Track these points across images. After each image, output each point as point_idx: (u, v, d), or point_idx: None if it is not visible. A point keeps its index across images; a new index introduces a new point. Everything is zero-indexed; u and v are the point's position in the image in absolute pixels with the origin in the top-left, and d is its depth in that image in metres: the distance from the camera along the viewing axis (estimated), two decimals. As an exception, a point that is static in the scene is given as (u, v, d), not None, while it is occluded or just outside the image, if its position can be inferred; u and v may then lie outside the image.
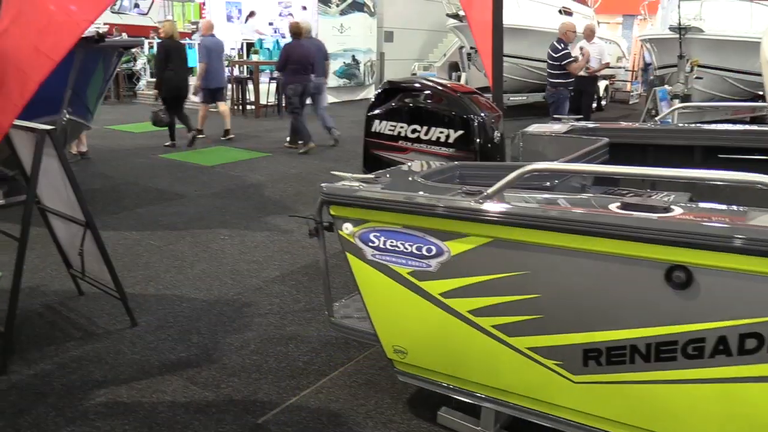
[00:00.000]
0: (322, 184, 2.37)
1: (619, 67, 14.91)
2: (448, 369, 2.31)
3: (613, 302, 1.79)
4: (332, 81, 13.82)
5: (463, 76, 12.05)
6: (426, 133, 3.13)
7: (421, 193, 2.13)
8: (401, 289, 2.21)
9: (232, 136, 9.35)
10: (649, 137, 3.45)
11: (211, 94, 9.12)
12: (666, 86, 8.78)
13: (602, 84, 14.11)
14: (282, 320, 3.67)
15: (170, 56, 8.25)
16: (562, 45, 8.50)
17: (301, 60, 8.23)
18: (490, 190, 1.93)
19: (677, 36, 9.12)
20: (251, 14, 14.62)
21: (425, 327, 2.25)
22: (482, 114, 3.10)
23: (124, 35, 8.95)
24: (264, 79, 12.18)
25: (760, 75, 10.61)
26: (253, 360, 3.22)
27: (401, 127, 3.21)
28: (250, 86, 12.20)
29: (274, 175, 7.36)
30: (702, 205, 1.85)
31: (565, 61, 8.40)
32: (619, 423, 1.96)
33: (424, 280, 2.15)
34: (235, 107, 12.15)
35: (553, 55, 8.54)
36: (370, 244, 2.25)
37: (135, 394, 2.88)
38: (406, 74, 11.82)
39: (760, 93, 11.60)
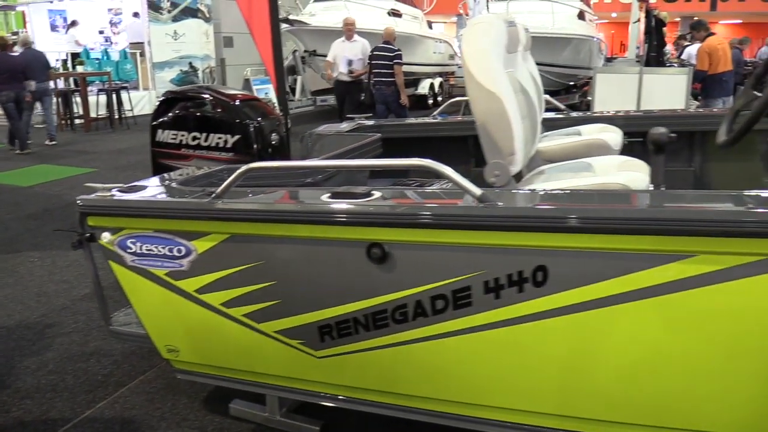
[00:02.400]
0: (78, 197, 2.41)
1: (453, 64, 15.75)
2: (217, 361, 2.45)
3: (332, 281, 2.01)
4: (170, 89, 13.47)
5: (299, 79, 12.22)
6: (206, 140, 3.24)
7: (165, 197, 2.24)
8: (162, 290, 2.32)
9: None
10: (421, 131, 3.79)
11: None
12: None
13: (437, 81, 14.88)
14: (86, 337, 3.62)
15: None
16: (393, 47, 8.99)
17: (9, 69, 9.06)
18: (218, 190, 2.08)
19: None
20: (73, 24, 13.86)
21: (189, 323, 2.36)
22: (259, 119, 3.25)
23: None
24: (93, 90, 11.63)
25: (566, 67, 11.74)
26: (49, 380, 3.17)
27: (182, 136, 3.30)
28: (79, 99, 11.60)
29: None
30: (410, 191, 2.12)
31: (395, 62, 8.86)
32: (362, 389, 2.20)
33: (179, 279, 2.26)
34: (63, 122, 11.50)
35: (389, 56, 8.93)
36: (128, 250, 2.33)
37: None
38: (258, 73, 11.76)
39: (571, 83, 12.85)
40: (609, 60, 16.31)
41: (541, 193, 1.89)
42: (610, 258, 1.68)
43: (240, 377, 2.45)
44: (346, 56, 9.24)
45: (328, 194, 2.00)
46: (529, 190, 1.95)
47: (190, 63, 14.03)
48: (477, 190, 1.75)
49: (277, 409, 2.67)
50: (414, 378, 2.09)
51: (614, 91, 8.11)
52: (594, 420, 1.89)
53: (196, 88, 3.50)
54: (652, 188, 1.94)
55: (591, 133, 3.26)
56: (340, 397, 2.26)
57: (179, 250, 2.22)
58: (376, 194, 1.97)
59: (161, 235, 2.24)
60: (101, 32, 15.94)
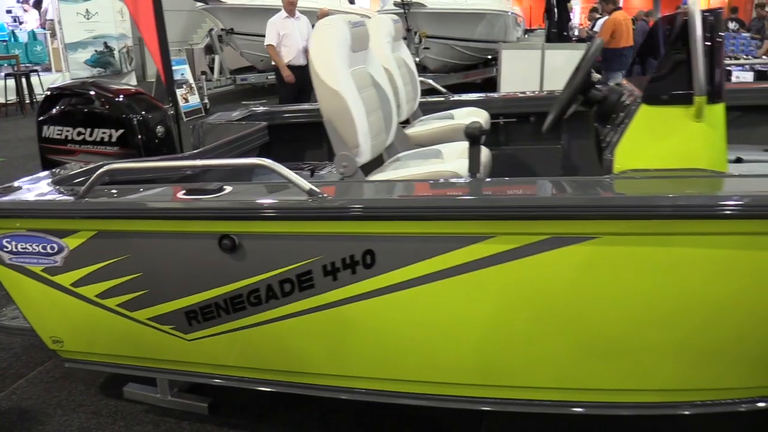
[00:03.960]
0: None
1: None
2: (99, 349, 2.60)
3: (191, 271, 2.19)
4: (85, 71, 13.07)
5: (217, 58, 12.10)
6: (91, 135, 3.31)
7: (34, 198, 2.36)
8: (40, 285, 2.44)
9: None
10: (313, 116, 3.95)
11: None
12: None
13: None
14: (-16, 332, 3.67)
15: None
16: None
17: None
18: (81, 190, 2.22)
19: (403, 11, 10.02)
20: (-25, 4, 13.22)
21: (69, 315, 2.50)
22: (143, 113, 3.34)
23: None
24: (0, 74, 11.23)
25: (482, 41, 12.01)
26: (-54, 376, 3.24)
27: (68, 131, 3.35)
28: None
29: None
30: (261, 185, 2.28)
31: None
32: (232, 366, 2.41)
33: (56, 274, 2.39)
34: (-32, 109, 11.09)
35: None
36: (5, 249, 2.43)
37: None
38: (173, 53, 11.55)
39: (489, 57, 13.18)
40: (529, 32, 16.75)
41: (368, 184, 2.12)
42: (425, 241, 1.92)
43: (121, 362, 2.61)
44: (299, 36, 7.59)
45: (183, 191, 2.16)
46: (361, 181, 2.18)
47: (105, 43, 13.64)
48: (306, 185, 1.95)
49: (168, 390, 2.85)
50: (275, 353, 2.31)
51: (521, 68, 8.42)
52: (419, 382, 2.19)
53: (80, 83, 3.54)
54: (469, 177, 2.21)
55: (460, 117, 3.51)
56: (212, 375, 2.46)
57: (52, 248, 2.34)
58: (227, 189, 2.14)
59: (34, 234, 2.35)
60: (9, 11, 15.25)
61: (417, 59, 10.39)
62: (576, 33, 13.62)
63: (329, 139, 2.51)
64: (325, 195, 1.94)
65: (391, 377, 2.22)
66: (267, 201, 2.04)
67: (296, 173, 3.91)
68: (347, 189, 2.16)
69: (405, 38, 10.59)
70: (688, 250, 1.75)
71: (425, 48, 10.58)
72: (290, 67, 7.44)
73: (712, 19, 1.97)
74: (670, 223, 1.73)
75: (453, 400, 2.20)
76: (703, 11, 2.02)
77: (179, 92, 10.26)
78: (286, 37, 7.49)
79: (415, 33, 10.41)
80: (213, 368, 2.46)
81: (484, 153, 2.73)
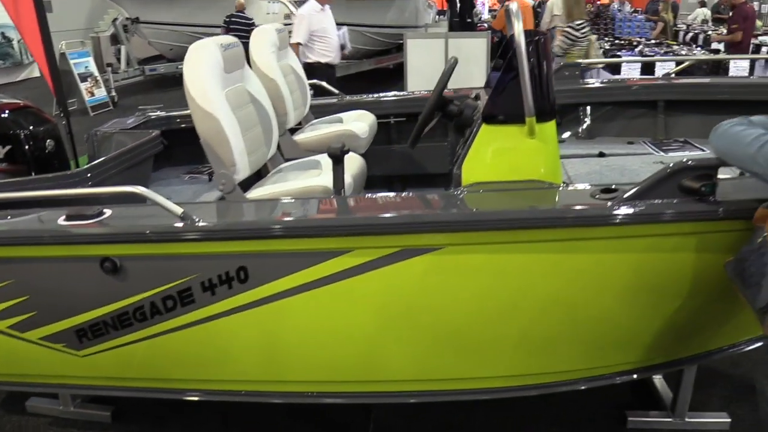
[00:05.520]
0: None
1: (289, 23, 15.71)
2: None
3: (77, 292, 2.30)
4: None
5: (123, 49, 11.78)
6: (-23, 151, 3.30)
7: None
8: None
9: None
10: None
11: None
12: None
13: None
14: None
15: None
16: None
17: None
18: None
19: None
20: None
21: None
22: (31, 127, 3.35)
23: None
24: None
25: (393, 27, 12.16)
26: None
27: (-45, 148, 3.33)
28: None
29: None
30: (141, 208, 2.39)
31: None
32: (126, 378, 2.54)
33: None
34: None
35: (248, 23, 8.92)
36: None
37: None
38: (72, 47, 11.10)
39: (401, 42, 13.37)
40: (441, 13, 17.00)
41: (238, 205, 2.29)
42: (292, 256, 2.11)
43: (18, 380, 2.68)
44: (331, 31, 6.70)
45: (64, 216, 2.26)
46: (232, 202, 2.35)
47: (2, 33, 13.01)
48: (178, 210, 2.09)
49: (70, 402, 2.95)
50: (166, 363, 2.46)
51: (426, 56, 8.61)
52: (299, 381, 2.41)
53: (-38, 99, 3.50)
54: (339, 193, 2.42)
55: (348, 121, 3.69)
56: (109, 387, 2.58)
57: None
58: (107, 213, 2.25)
59: None
60: None
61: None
62: (483, 18, 14.00)
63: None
64: (195, 218, 2.09)
65: (275, 379, 2.43)
66: (143, 225, 2.17)
67: (194, 178, 3.99)
68: (218, 211, 2.32)
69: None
70: (514, 256, 2.02)
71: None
72: (326, 65, 6.57)
73: (541, 42, 2.22)
74: (500, 234, 1.99)
75: (332, 396, 2.43)
76: (531, 32, 2.27)
77: (84, 86, 9.99)
78: (321, 33, 6.52)
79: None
80: (109, 381, 2.58)
81: (357, 164, 2.93)
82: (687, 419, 2.69)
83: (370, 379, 2.38)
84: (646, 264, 2.01)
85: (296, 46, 6.22)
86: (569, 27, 6.63)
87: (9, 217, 2.38)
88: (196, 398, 2.54)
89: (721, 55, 7.42)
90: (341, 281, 2.11)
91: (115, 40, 12.01)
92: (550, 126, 2.26)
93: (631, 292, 2.09)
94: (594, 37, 7.04)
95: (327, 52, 6.56)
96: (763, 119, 1.68)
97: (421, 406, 2.73)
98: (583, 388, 2.38)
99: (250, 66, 3.21)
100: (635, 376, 2.40)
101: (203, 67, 2.55)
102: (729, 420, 2.71)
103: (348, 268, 2.09)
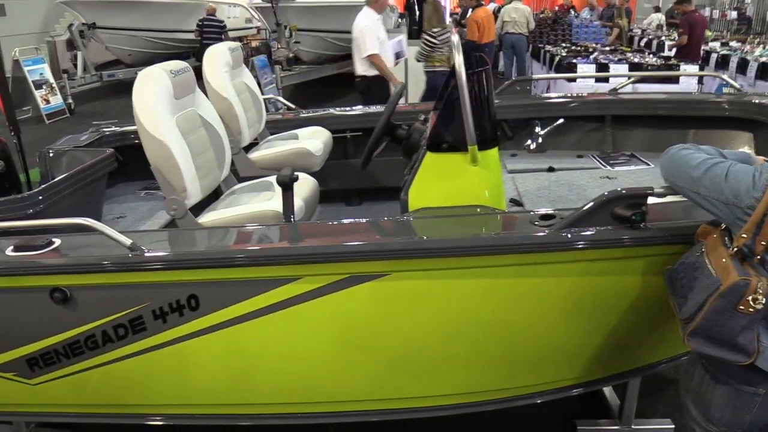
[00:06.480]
0: None
1: (250, 27, 15.62)
2: None
3: (28, 322, 2.30)
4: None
5: (80, 55, 11.58)
6: (-75, 176, 3.25)
7: None
8: None
9: None
10: None
11: None
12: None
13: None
14: None
15: None
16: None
17: None
18: None
19: (271, 5, 10.06)
20: None
21: None
22: (-28, 150, 3.30)
23: None
24: None
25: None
26: None
27: None
28: None
29: None
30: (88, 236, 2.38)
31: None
32: (79, 404, 2.54)
33: None
34: None
35: (220, 26, 8.84)
36: None
37: None
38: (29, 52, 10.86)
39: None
40: (403, 16, 17.06)
41: (188, 233, 2.32)
42: (241, 284, 2.15)
43: None
44: (386, 40, 6.39)
45: (12, 247, 2.25)
46: (182, 229, 2.37)
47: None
48: (127, 241, 2.10)
49: (24, 427, 2.93)
50: (120, 390, 2.47)
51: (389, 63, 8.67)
52: (261, 404, 2.43)
53: None
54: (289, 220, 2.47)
55: (304, 137, 3.73)
56: (62, 413, 2.57)
57: None
58: (56, 242, 2.25)
59: None
60: None
61: (290, 53, 10.49)
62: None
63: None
64: (144, 249, 2.11)
65: (234, 402, 2.46)
66: (92, 256, 2.18)
67: (149, 194, 3.96)
68: (167, 240, 2.34)
69: (275, 32, 10.77)
70: (457, 281, 2.09)
71: (296, 42, 10.68)
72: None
73: (482, 73, 2.29)
74: (442, 260, 2.05)
75: (290, 418, 2.47)
76: (472, 63, 2.34)
77: (39, 93, 9.80)
78: (381, 43, 6.18)
79: (285, 27, 10.48)
80: (64, 408, 2.57)
81: (308, 187, 2.97)
82: (633, 426, 2.81)
83: (328, 400, 2.42)
84: (582, 287, 2.10)
85: (376, 58, 6.00)
86: (427, 34, 7.10)
87: None
88: (159, 422, 2.55)
89: (649, 72, 7.51)
90: (292, 307, 2.15)
91: (71, 45, 11.79)
92: (493, 153, 2.33)
93: (570, 313, 2.17)
94: (456, 41, 7.27)
95: (387, 62, 6.30)
96: (709, 149, 1.77)
97: (378, 424, 2.78)
98: (539, 401, 2.46)
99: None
100: (580, 390, 2.49)
101: (152, 95, 2.56)
102: (672, 426, 2.83)
103: (298, 294, 2.13)
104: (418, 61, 7.37)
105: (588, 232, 1.98)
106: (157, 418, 2.54)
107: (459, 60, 2.16)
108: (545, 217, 2.08)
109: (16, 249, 2.25)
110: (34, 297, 2.23)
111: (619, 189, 1.98)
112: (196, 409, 2.47)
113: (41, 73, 9.95)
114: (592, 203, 1.97)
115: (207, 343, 2.24)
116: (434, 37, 7.02)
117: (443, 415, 2.49)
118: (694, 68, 8.07)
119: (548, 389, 2.43)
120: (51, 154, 3.62)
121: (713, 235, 1.73)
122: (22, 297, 2.25)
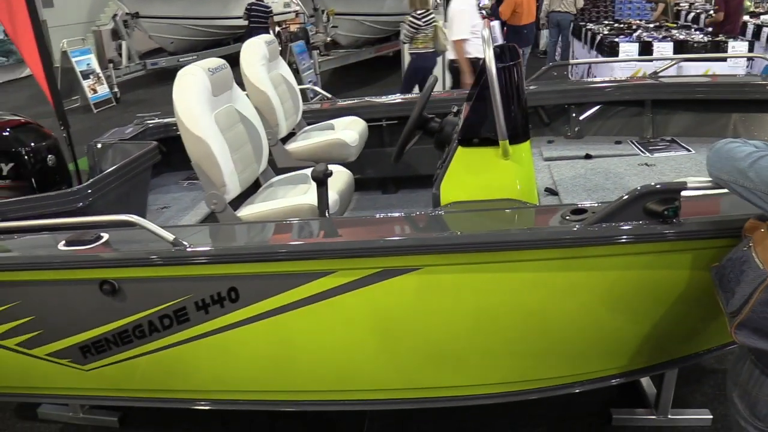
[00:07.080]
0: None
1: (289, 11, 15.69)
2: (7, 382, 2.80)
3: (78, 312, 2.43)
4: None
5: (124, 44, 11.85)
6: (-20, 170, 3.42)
7: None
8: None
9: None
10: None
11: None
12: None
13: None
14: None
15: None
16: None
17: None
18: None
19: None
20: None
21: None
22: (32, 144, 3.45)
23: None
24: None
25: (390, 15, 12.18)
26: None
27: (-43, 167, 3.44)
28: None
29: None
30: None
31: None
32: (129, 389, 2.69)
33: None
34: None
35: (266, 11, 9.41)
36: None
37: None
38: (76, 43, 11.18)
39: (398, 29, 13.37)
40: None
41: (228, 228, 2.40)
42: (279, 277, 2.22)
43: (29, 392, 2.83)
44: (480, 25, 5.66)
45: (64, 242, 2.38)
46: (223, 224, 2.45)
47: (4, 30, 13.07)
48: (170, 237, 2.20)
49: (79, 409, 3.10)
50: (167, 375, 2.60)
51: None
52: (300, 391, 2.53)
53: (-37, 117, 3.60)
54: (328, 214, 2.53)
55: (340, 128, 3.78)
56: (115, 397, 2.73)
57: None
58: (104, 237, 2.37)
59: None
60: None
61: (328, 38, 10.53)
62: (482, 4, 13.88)
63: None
64: (185, 244, 2.20)
65: (274, 389, 2.57)
66: (137, 250, 2.29)
67: (192, 184, 4.06)
68: (208, 235, 2.43)
69: (312, 16, 10.81)
70: (489, 275, 2.12)
71: (333, 26, 10.70)
72: (479, 60, 5.69)
73: (513, 68, 2.29)
74: (474, 255, 2.08)
75: (329, 404, 2.56)
76: (503, 57, 2.32)
77: (86, 83, 10.08)
78: (477, 29, 5.91)
79: (323, 11, 10.51)
80: (115, 391, 2.72)
81: (343, 180, 3.02)
82: (670, 416, 2.80)
83: (366, 388, 2.50)
84: (615, 281, 2.11)
85: (458, 44, 6.00)
86: (412, 16, 7.27)
87: (12, 239, 2.49)
88: (204, 407, 2.68)
89: (690, 55, 7.22)
90: (328, 299, 2.22)
91: (116, 35, 12.08)
92: (524, 146, 2.34)
93: (603, 307, 2.18)
94: (441, 23, 7.53)
95: (481, 48, 6.15)
96: (758, 143, 1.74)
97: (414, 412, 2.85)
98: (577, 390, 2.48)
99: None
100: (619, 380, 2.50)
101: (191, 94, 2.64)
102: (711, 417, 2.81)
103: (333, 287, 2.20)
104: (404, 42, 7.71)
105: (617, 228, 1.98)
106: (203, 402, 2.66)
107: (489, 54, 2.16)
108: (577, 211, 2.09)
109: (68, 243, 2.37)
110: (86, 289, 2.35)
111: (652, 183, 1.97)
112: (238, 395, 2.58)
113: (88, 63, 10.23)
114: (624, 198, 1.97)
115: (247, 333, 2.34)
116: (418, 19, 7.22)
117: (479, 404, 2.54)
118: (743, 46, 7.77)
119: (587, 379, 2.45)
120: (98, 147, 3.76)
121: (761, 230, 1.71)
122: (74, 289, 2.38)
